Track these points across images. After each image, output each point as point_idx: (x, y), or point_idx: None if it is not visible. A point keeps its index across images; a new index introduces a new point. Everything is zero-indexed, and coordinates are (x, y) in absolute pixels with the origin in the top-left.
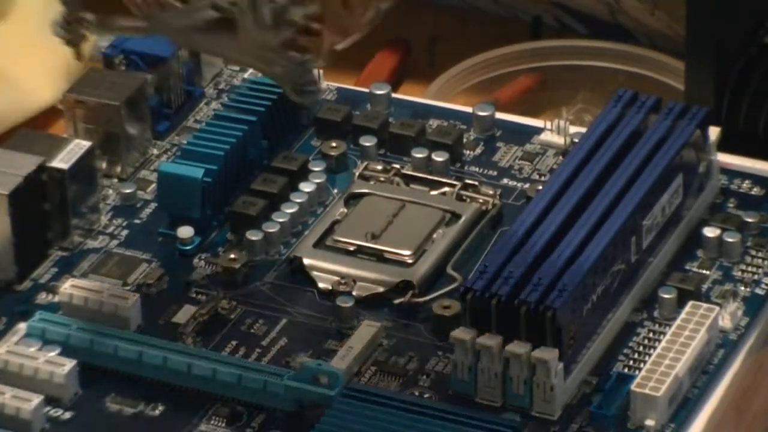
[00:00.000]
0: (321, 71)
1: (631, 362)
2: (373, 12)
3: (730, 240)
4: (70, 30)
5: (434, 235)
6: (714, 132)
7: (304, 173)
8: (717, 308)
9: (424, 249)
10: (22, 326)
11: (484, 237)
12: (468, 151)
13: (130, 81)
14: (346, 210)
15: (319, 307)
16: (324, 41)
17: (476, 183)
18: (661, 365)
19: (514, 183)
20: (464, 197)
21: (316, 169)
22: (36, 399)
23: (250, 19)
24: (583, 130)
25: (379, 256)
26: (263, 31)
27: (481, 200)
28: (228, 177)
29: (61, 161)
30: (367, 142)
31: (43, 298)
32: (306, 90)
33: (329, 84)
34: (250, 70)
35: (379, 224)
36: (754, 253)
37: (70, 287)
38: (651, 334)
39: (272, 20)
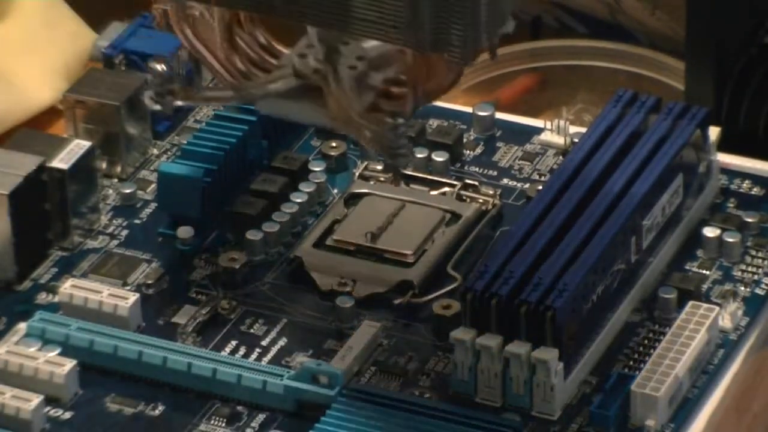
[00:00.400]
0: None
1: (631, 362)
2: (456, 74)
3: (730, 240)
4: (160, 101)
5: (434, 235)
6: (714, 132)
7: (304, 173)
8: (717, 308)
9: (424, 249)
10: (22, 326)
11: (484, 237)
12: (468, 151)
13: (130, 81)
14: (346, 210)
15: (319, 307)
16: (408, 103)
17: (476, 183)
18: (661, 365)
19: (514, 183)
20: (464, 197)
21: (316, 169)
22: (36, 399)
23: (333, 86)
24: (583, 130)
25: (379, 256)
26: (346, 97)
27: (481, 200)
28: (228, 177)
29: (61, 161)
30: None
31: (43, 298)
32: (399, 153)
33: None
34: None
35: (379, 224)
36: (754, 253)
37: (70, 287)
38: (651, 334)
39: (354, 86)
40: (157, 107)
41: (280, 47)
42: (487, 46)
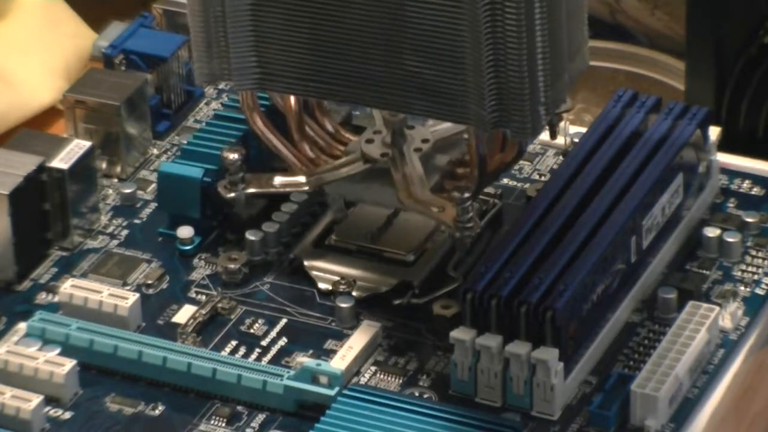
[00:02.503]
0: None
1: (631, 362)
2: (518, 150)
3: (730, 240)
4: (233, 189)
5: (434, 235)
6: (714, 132)
7: None
8: (717, 308)
9: (424, 249)
10: (22, 326)
11: (484, 237)
12: None
13: (130, 81)
14: (346, 210)
15: (319, 307)
16: (474, 181)
17: None
18: (661, 365)
19: (514, 183)
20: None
21: None
22: (36, 399)
23: (400, 168)
24: (583, 130)
25: (379, 256)
26: (414, 178)
27: (481, 200)
28: None
29: (61, 161)
30: None
31: (43, 298)
32: (466, 227)
33: None
34: None
35: (379, 224)
36: (754, 253)
37: (70, 287)
38: (651, 334)
39: (420, 167)
40: (231, 195)
41: (347, 134)
42: (547, 122)
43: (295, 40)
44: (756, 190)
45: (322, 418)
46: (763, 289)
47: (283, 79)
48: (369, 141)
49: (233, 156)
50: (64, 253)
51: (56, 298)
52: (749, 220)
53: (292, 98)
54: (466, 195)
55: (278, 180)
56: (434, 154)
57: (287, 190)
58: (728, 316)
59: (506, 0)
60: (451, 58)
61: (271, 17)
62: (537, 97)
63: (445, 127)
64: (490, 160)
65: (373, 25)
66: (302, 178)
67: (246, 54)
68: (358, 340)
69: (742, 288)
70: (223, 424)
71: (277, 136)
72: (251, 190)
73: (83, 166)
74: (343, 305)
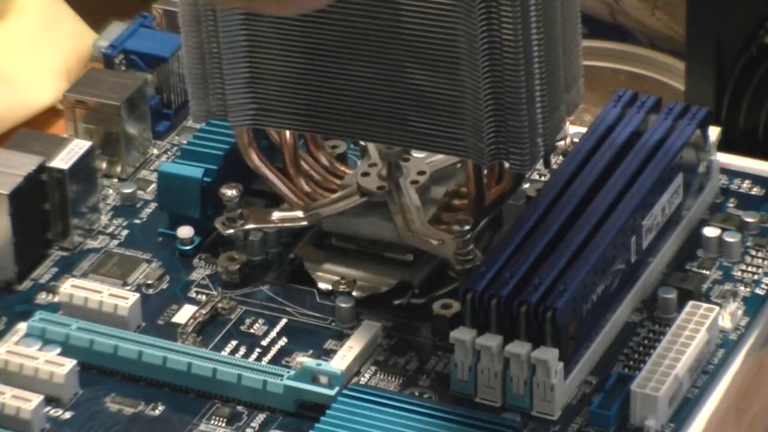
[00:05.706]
0: None
1: (631, 362)
2: (516, 180)
3: (730, 240)
4: (231, 225)
5: None
6: (714, 132)
7: None
8: (717, 308)
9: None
10: (22, 326)
11: (484, 237)
12: None
13: (130, 81)
14: None
15: (319, 307)
16: (472, 213)
17: None
18: (661, 365)
19: None
20: None
21: None
22: (36, 399)
23: (397, 201)
24: (583, 130)
25: (379, 256)
26: (410, 211)
27: None
28: (228, 177)
29: (61, 161)
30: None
31: (43, 298)
32: (467, 259)
33: None
34: None
35: None
36: (754, 253)
37: (70, 287)
38: (651, 334)
39: (417, 199)
40: (230, 231)
41: (342, 167)
42: (545, 152)
43: (291, 76)
44: (756, 190)
45: (322, 418)
46: (763, 289)
47: (280, 115)
48: (365, 174)
49: (231, 193)
50: (64, 253)
51: (56, 298)
52: (749, 220)
53: (288, 133)
54: (466, 228)
55: (276, 215)
56: (430, 185)
57: (285, 225)
58: (728, 316)
59: (504, 32)
60: (450, 92)
61: (266, 55)
62: (535, 129)
63: (441, 158)
64: (488, 192)
65: (369, 60)
66: (300, 213)
67: (241, 91)
68: (358, 340)
69: (742, 288)
70: (223, 424)
71: (273, 171)
72: (250, 226)
73: (83, 166)
74: (343, 305)
